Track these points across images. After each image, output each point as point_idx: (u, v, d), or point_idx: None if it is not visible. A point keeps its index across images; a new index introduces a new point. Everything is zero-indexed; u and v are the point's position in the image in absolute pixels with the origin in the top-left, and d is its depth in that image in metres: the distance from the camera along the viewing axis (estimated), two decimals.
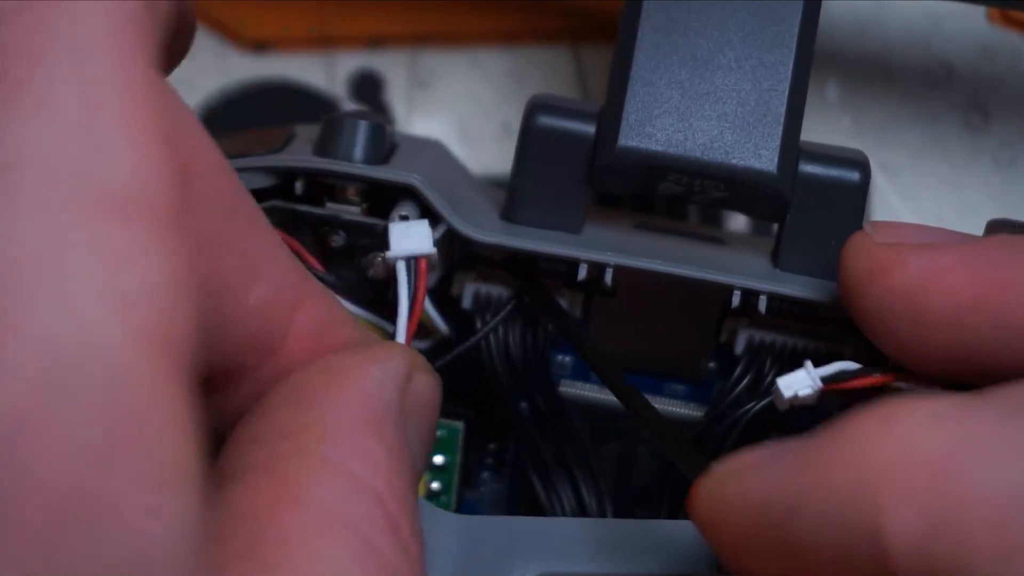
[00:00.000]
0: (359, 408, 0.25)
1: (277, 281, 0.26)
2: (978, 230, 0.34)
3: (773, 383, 0.33)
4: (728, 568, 0.26)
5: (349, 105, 0.44)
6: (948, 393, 0.24)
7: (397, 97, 0.44)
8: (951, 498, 0.22)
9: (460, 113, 0.44)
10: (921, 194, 0.43)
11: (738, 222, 0.42)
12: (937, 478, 0.23)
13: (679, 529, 0.29)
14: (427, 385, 0.28)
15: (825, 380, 0.30)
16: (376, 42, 0.44)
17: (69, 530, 0.18)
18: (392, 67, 0.44)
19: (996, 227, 0.33)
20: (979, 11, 0.42)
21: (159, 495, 0.19)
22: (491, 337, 0.33)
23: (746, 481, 0.25)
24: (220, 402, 0.26)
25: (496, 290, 0.34)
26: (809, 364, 0.29)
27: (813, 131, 0.33)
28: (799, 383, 0.29)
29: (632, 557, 0.29)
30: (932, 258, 0.28)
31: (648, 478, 0.35)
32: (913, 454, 0.23)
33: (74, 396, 0.18)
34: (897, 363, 0.29)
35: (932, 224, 0.41)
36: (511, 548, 0.29)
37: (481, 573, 0.29)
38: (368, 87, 0.44)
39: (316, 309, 0.27)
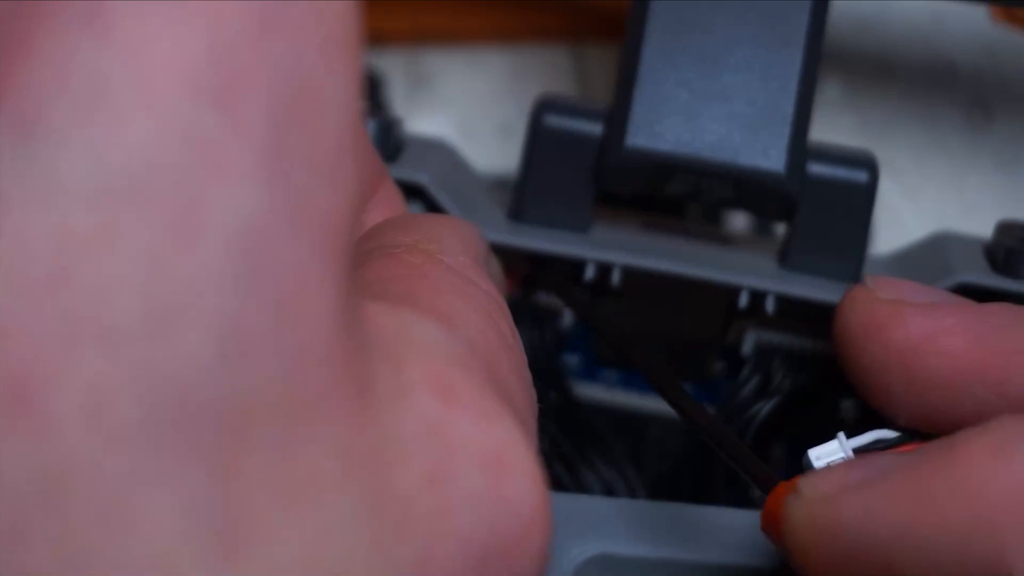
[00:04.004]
0: (463, 242, 0.26)
1: (367, 142, 0.28)
2: (980, 228, 0.34)
3: (781, 384, 0.33)
4: None
5: None
6: None
7: (396, 96, 0.44)
8: None
9: (460, 112, 0.44)
10: (923, 192, 0.43)
11: (739, 222, 0.42)
12: None
13: (735, 517, 0.29)
14: (498, 267, 0.29)
15: (858, 451, 0.28)
16: (375, 40, 0.44)
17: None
18: (391, 65, 0.44)
19: (1005, 229, 0.33)
20: (982, 9, 0.42)
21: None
22: None
23: (841, 507, 0.25)
24: None
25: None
26: (842, 436, 0.28)
27: (815, 130, 0.33)
28: (831, 455, 0.28)
29: (687, 542, 0.29)
30: (933, 318, 0.28)
31: (656, 478, 0.34)
32: None
33: None
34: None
35: (935, 223, 0.41)
36: (565, 526, 0.29)
37: None
38: (368, 86, 0.44)
39: (390, 185, 0.29)
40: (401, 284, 0.24)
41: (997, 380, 0.27)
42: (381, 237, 0.26)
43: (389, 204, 0.29)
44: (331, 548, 0.19)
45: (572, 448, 0.33)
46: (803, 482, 0.26)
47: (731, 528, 0.29)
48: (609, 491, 0.33)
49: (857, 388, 0.29)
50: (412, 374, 0.21)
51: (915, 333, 0.28)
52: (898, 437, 0.29)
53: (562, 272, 0.33)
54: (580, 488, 0.33)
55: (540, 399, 0.33)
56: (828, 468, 0.26)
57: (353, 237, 0.20)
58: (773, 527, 0.26)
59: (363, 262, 0.25)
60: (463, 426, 0.21)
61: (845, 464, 0.26)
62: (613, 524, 0.29)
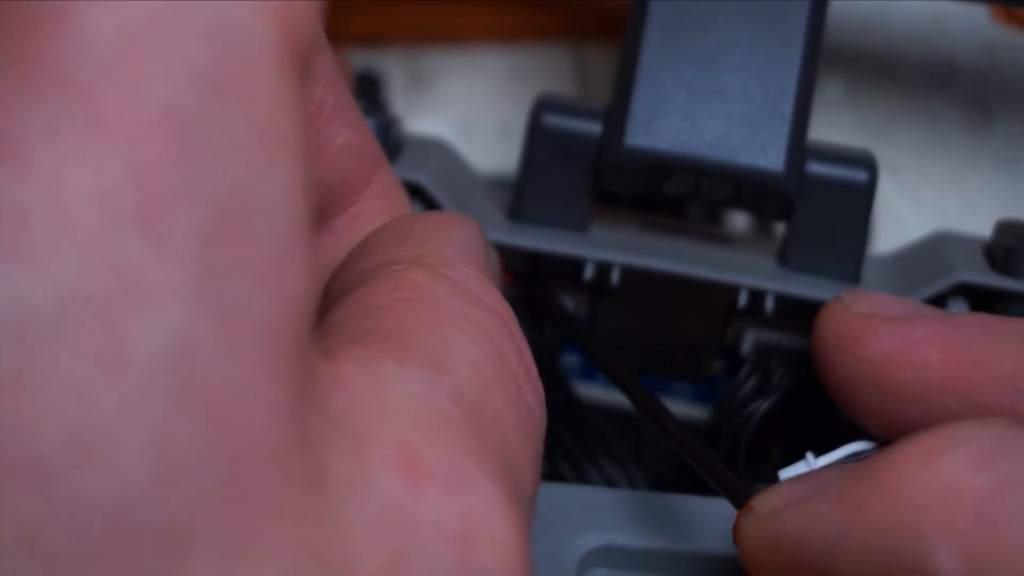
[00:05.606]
0: (465, 250, 0.26)
1: (362, 130, 0.27)
2: (981, 227, 0.34)
3: (780, 383, 0.33)
4: None
5: None
6: (989, 427, 0.24)
7: (397, 96, 0.44)
8: (999, 539, 0.22)
9: (460, 112, 0.44)
10: (923, 192, 0.43)
11: (738, 221, 0.42)
12: (983, 519, 0.22)
13: None
14: (495, 256, 0.29)
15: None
16: (376, 40, 0.44)
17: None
18: (392, 65, 0.44)
19: (1004, 228, 0.33)
20: (982, 9, 0.42)
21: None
22: None
23: (783, 521, 0.25)
24: None
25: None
26: (810, 456, 0.28)
27: (815, 129, 0.33)
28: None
29: (690, 533, 0.29)
30: (905, 331, 0.28)
31: (654, 479, 0.34)
32: (958, 494, 0.23)
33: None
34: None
35: (935, 223, 0.41)
36: (570, 517, 0.29)
37: (541, 540, 0.29)
38: (368, 85, 0.44)
39: (387, 175, 0.28)
40: (397, 314, 0.23)
41: (968, 391, 0.27)
42: (381, 252, 0.25)
43: (386, 196, 0.28)
44: None
45: (575, 444, 0.33)
46: (755, 499, 0.26)
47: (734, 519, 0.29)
48: (611, 486, 0.33)
49: (834, 400, 0.29)
50: (375, 453, 0.21)
51: (887, 346, 0.28)
52: (872, 449, 0.29)
53: (552, 281, 0.33)
54: (583, 483, 0.33)
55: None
56: (779, 485, 0.26)
57: (309, 322, 0.20)
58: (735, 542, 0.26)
59: (365, 282, 0.24)
60: (429, 501, 0.21)
61: (794, 480, 0.26)
62: (618, 515, 0.30)
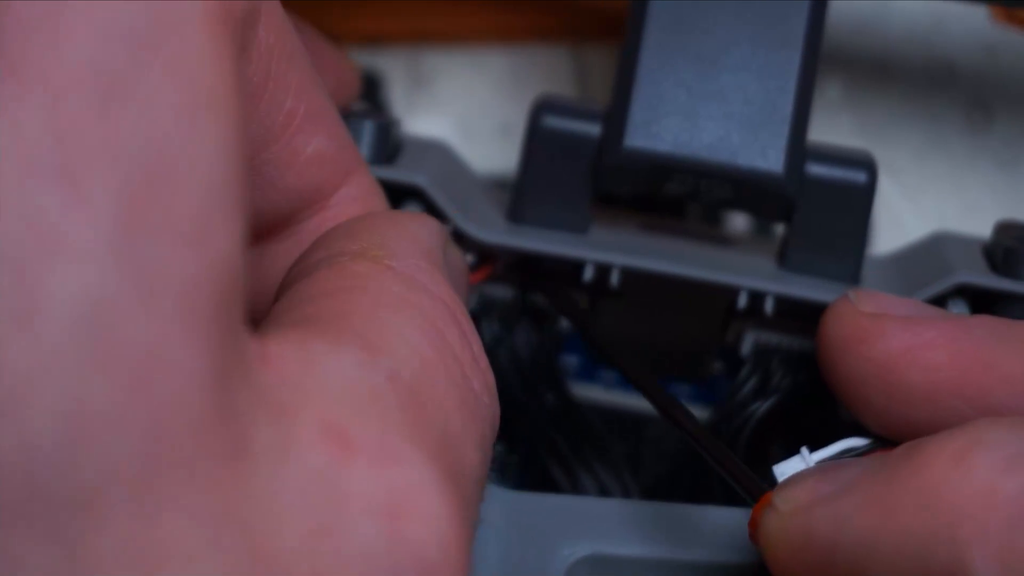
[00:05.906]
0: (415, 243, 0.26)
1: (336, 138, 0.27)
2: (981, 228, 0.34)
3: (779, 384, 0.33)
4: None
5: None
6: (1014, 428, 0.24)
7: (396, 96, 0.44)
8: None
9: (460, 112, 0.44)
10: (923, 193, 0.43)
11: (738, 222, 0.42)
12: (1017, 521, 0.22)
13: (725, 516, 0.29)
14: (459, 255, 0.29)
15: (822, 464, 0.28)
16: (376, 40, 0.44)
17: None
18: (392, 65, 0.44)
19: (1004, 229, 0.33)
20: (981, 10, 0.42)
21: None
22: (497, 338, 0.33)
23: (811, 520, 0.25)
24: (266, 252, 0.28)
25: (501, 291, 0.33)
26: (805, 451, 0.28)
27: (814, 130, 0.33)
28: (795, 471, 0.28)
29: (678, 541, 0.29)
30: (914, 332, 0.28)
31: (654, 480, 0.34)
32: (991, 497, 0.23)
33: None
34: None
35: (935, 223, 0.41)
36: (557, 526, 0.29)
37: (529, 550, 0.29)
38: (367, 86, 0.44)
39: (363, 180, 0.28)
40: (337, 301, 0.23)
41: (977, 394, 0.27)
42: (330, 245, 0.25)
43: (359, 201, 0.28)
44: None
45: (569, 450, 0.33)
46: (776, 496, 0.26)
47: (722, 526, 0.29)
48: (604, 494, 0.33)
49: (840, 400, 0.29)
50: (300, 427, 0.21)
51: (896, 347, 0.28)
52: (868, 445, 0.29)
53: (558, 281, 0.33)
54: (576, 491, 0.33)
55: (537, 401, 0.33)
56: (801, 479, 0.26)
57: (237, 291, 0.20)
58: (755, 537, 0.26)
59: (309, 273, 0.24)
60: (356, 474, 0.21)
61: (817, 475, 0.26)
62: (605, 524, 0.29)
